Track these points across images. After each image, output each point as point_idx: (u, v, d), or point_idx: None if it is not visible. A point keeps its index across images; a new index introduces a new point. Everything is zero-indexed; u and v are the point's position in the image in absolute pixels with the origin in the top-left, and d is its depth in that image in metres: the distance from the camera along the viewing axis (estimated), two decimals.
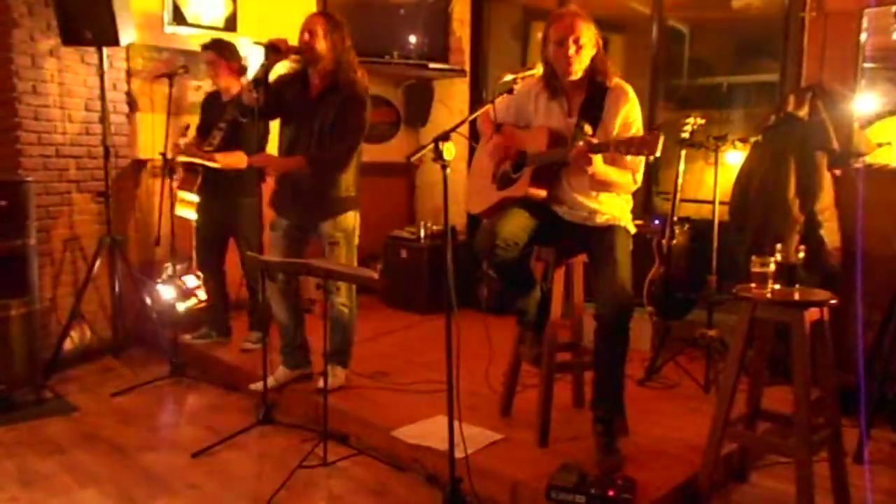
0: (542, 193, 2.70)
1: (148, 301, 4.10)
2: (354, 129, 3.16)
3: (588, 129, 2.62)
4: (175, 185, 3.95)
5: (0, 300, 3.33)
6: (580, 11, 2.61)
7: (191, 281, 4.37)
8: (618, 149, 2.38)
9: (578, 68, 2.60)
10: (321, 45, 3.07)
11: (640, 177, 2.65)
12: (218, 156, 3.70)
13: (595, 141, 2.45)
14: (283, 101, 3.19)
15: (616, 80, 2.66)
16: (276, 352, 3.44)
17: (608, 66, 2.65)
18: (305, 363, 3.47)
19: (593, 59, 2.61)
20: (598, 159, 2.45)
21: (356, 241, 3.33)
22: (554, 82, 2.68)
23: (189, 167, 3.85)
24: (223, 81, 3.88)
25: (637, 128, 2.64)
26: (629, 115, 2.62)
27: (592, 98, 2.65)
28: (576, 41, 2.55)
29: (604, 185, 2.62)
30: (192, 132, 3.85)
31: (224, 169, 3.70)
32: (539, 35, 2.72)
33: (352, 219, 3.28)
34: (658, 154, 2.30)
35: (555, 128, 2.69)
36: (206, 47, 3.87)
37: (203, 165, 3.76)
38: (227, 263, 4.11)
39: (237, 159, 3.68)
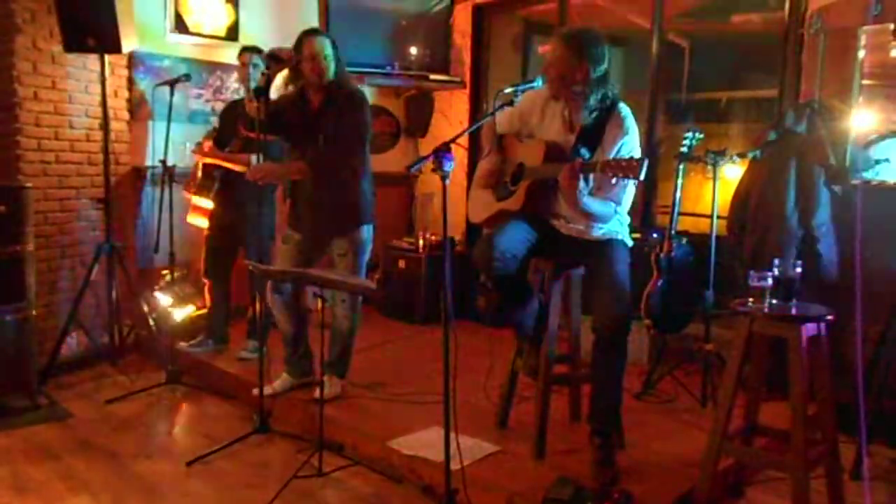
0: (537, 207, 2.71)
1: (145, 308, 4.09)
2: (354, 130, 3.16)
3: (585, 153, 2.64)
4: (192, 190, 3.94)
5: None
6: (581, 36, 2.61)
7: (188, 289, 4.37)
8: (603, 170, 2.41)
9: (581, 91, 2.61)
10: (329, 68, 3.10)
11: (623, 208, 2.67)
12: (238, 157, 3.71)
13: (585, 161, 2.49)
14: (285, 120, 3.19)
15: (620, 106, 2.67)
16: (276, 361, 3.43)
17: (612, 86, 2.65)
18: (310, 371, 3.47)
19: (598, 78, 2.61)
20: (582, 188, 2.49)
21: (367, 255, 3.34)
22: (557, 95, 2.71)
23: (206, 173, 3.85)
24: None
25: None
26: (627, 145, 2.63)
27: (595, 120, 2.66)
28: (580, 71, 2.58)
29: (584, 215, 2.63)
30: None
31: (238, 174, 3.69)
32: (540, 48, 2.74)
33: (365, 233, 3.30)
34: (641, 178, 2.36)
35: (552, 141, 2.71)
36: (248, 49, 3.84)
37: (221, 172, 3.76)
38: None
39: (245, 160, 3.70)
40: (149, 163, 4.31)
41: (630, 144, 2.63)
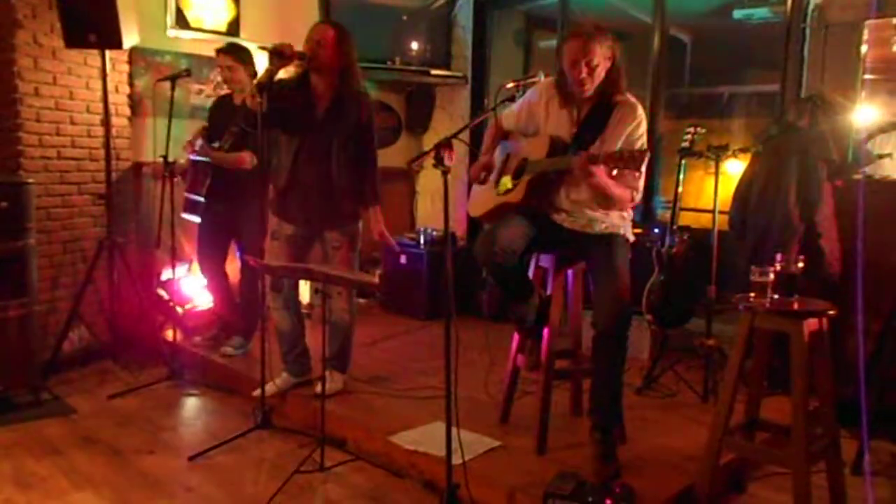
0: (539, 201, 2.71)
1: (147, 304, 4.09)
2: (367, 134, 3.25)
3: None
4: (185, 186, 3.92)
5: None
6: (595, 31, 2.59)
7: (190, 284, 4.37)
8: (606, 162, 2.41)
9: (590, 87, 2.62)
10: (329, 55, 3.07)
11: (638, 195, 2.67)
12: (228, 156, 3.67)
13: (594, 152, 2.47)
14: (285, 107, 3.16)
15: (626, 96, 2.67)
16: (275, 357, 3.43)
17: (621, 80, 2.66)
18: (308, 369, 3.47)
19: (608, 73, 2.62)
20: (600, 170, 2.47)
21: (358, 246, 3.34)
22: (566, 91, 2.70)
23: (199, 169, 3.84)
24: (240, 85, 3.86)
25: (641, 145, 2.63)
26: (633, 133, 2.63)
27: (599, 111, 2.67)
28: (588, 63, 2.56)
29: (604, 198, 2.63)
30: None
31: (231, 170, 3.69)
32: (541, 43, 2.74)
33: (356, 226, 3.30)
34: (643, 170, 2.37)
35: (557, 136, 2.70)
36: (222, 52, 3.80)
37: (212, 167, 3.75)
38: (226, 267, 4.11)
39: (242, 159, 3.68)
40: (150, 158, 4.28)
41: (638, 131, 2.63)
